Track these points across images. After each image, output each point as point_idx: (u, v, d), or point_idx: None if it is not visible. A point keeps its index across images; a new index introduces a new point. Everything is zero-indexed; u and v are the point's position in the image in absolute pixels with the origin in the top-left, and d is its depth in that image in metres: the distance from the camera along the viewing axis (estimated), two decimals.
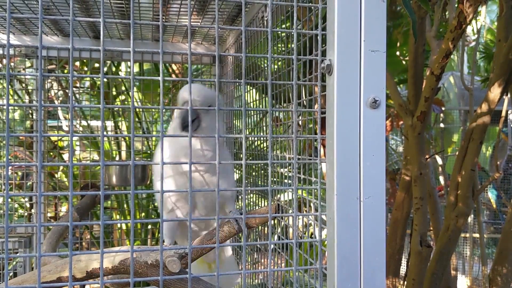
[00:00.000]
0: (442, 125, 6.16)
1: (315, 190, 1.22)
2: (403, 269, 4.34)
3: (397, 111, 3.23)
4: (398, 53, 3.89)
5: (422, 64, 2.95)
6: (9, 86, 0.74)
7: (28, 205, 3.71)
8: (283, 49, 2.07)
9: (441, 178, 5.02)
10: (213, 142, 1.64)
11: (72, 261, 0.84)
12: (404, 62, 3.85)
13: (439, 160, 4.90)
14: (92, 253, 1.31)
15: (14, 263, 2.94)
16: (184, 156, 1.60)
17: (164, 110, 0.84)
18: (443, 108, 4.39)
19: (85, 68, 4.37)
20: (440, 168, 4.96)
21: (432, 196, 3.22)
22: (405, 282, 3.14)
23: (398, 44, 3.78)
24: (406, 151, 3.14)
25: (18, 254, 2.41)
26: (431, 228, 3.45)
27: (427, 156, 3.07)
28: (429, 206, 3.21)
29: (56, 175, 4.55)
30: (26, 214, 3.39)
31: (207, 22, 2.23)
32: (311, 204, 1.36)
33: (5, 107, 0.74)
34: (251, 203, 2.21)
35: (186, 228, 1.92)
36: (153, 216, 4.16)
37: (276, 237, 2.81)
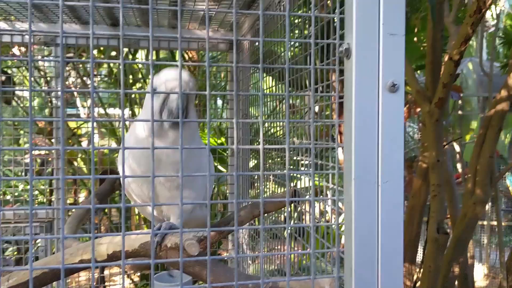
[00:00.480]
0: (460, 112, 6.08)
1: (333, 175, 1.23)
2: (419, 257, 4.33)
3: (414, 97, 3.20)
4: (416, 39, 3.85)
5: (441, 49, 2.91)
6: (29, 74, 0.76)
7: (48, 191, 3.78)
8: (299, 36, 2.06)
9: (459, 166, 4.97)
10: (189, 138, 1.43)
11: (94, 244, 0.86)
12: (422, 48, 3.80)
13: (457, 148, 4.85)
14: (114, 235, 1.34)
15: (36, 248, 3.01)
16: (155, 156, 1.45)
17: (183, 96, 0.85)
18: (461, 95, 4.33)
19: (102, 56, 4.41)
20: (458, 156, 4.91)
21: (449, 183, 3.19)
22: (421, 269, 3.13)
23: (416, 30, 3.73)
24: (423, 138, 3.11)
25: (41, 236, 2.47)
26: (448, 216, 3.42)
27: (444, 143, 3.04)
28: (447, 193, 3.18)
29: (75, 162, 4.62)
30: (45, 200, 3.45)
31: (223, 9, 2.23)
32: (328, 191, 1.37)
33: (26, 94, 0.76)
34: (268, 191, 2.22)
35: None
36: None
37: (292, 222, 2.82)
